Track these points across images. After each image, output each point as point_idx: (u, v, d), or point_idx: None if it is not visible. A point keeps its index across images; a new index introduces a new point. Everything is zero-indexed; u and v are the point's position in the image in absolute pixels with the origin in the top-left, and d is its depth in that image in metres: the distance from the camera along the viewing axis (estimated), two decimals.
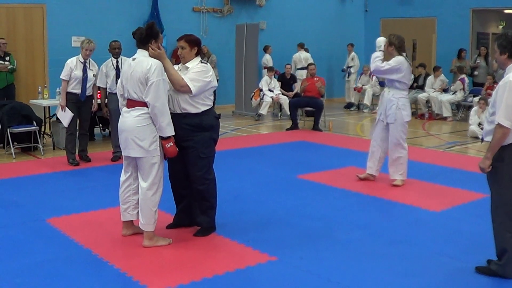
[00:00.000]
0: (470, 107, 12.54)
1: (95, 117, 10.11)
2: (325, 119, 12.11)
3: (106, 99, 8.44)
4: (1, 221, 5.50)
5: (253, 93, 13.17)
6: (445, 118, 13.17)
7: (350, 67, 15.88)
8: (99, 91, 8.42)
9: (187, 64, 4.92)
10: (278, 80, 13.74)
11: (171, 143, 4.70)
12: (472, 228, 5.39)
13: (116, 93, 6.77)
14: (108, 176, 7.37)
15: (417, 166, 7.84)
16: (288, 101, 12.80)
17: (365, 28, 17.96)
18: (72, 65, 7.98)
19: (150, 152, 4.68)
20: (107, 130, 10.48)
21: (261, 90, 13.16)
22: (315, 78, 11.93)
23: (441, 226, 5.49)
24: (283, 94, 13.31)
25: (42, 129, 9.40)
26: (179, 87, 4.78)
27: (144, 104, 4.64)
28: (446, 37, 15.78)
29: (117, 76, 7.83)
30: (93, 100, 8.30)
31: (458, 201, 6.33)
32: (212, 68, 5.11)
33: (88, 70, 8.06)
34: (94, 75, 8.13)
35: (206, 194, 5.04)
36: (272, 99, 13.11)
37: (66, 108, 8.00)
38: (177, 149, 4.77)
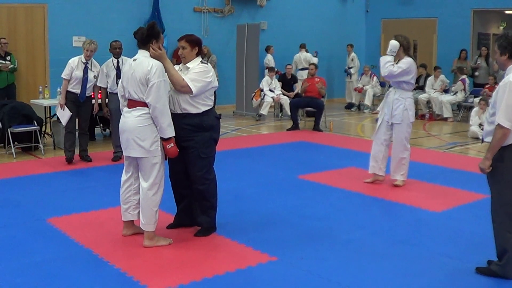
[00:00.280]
0: (470, 108, 12.54)
1: (95, 117, 10.11)
2: (325, 119, 12.11)
3: (107, 99, 8.44)
4: (1, 221, 5.51)
5: (253, 93, 13.17)
6: (445, 119, 13.17)
7: (350, 67, 15.90)
8: (99, 91, 8.43)
9: (187, 64, 4.93)
10: (278, 81, 13.74)
11: (172, 144, 4.70)
12: (472, 228, 5.39)
13: (116, 93, 6.81)
14: (109, 176, 7.38)
15: (417, 167, 7.83)
16: (288, 101, 12.80)
17: (366, 29, 17.97)
18: (74, 65, 8.01)
19: (151, 152, 4.69)
20: (107, 130, 10.48)
21: (261, 90, 13.17)
22: (315, 79, 11.92)
23: (442, 226, 5.49)
24: (283, 94, 13.31)
25: (43, 129, 9.41)
26: (179, 88, 4.78)
27: (145, 104, 4.64)
28: (447, 37, 15.78)
29: (118, 76, 7.84)
30: (94, 101, 8.31)
31: (458, 202, 6.33)
32: (212, 68, 5.11)
33: (89, 71, 8.06)
34: (94, 77, 8.14)
35: (207, 194, 5.04)
36: (273, 99, 13.11)
37: (65, 107, 8.05)
38: (178, 150, 4.77)
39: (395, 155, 6.96)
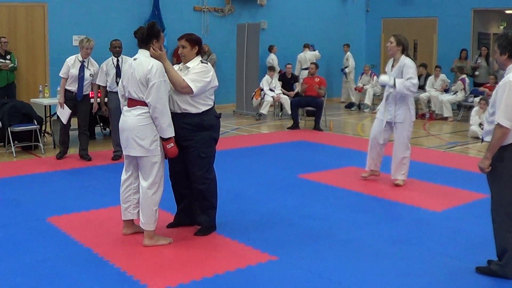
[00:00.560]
0: (471, 107, 12.53)
1: (95, 116, 10.12)
2: (325, 118, 12.11)
3: (106, 98, 8.44)
4: (1, 220, 5.51)
5: (254, 93, 13.18)
6: (446, 118, 13.17)
7: (345, 67, 16.01)
8: (99, 90, 8.43)
9: (187, 64, 4.92)
10: (279, 80, 13.74)
11: (172, 144, 4.70)
12: (472, 228, 5.39)
13: (116, 92, 6.83)
14: (109, 175, 7.38)
15: (418, 166, 7.83)
16: (288, 100, 12.81)
17: (366, 28, 17.96)
18: (70, 63, 8.09)
19: (151, 152, 4.69)
20: (108, 129, 10.48)
21: (262, 89, 13.16)
22: (315, 79, 11.91)
23: (442, 226, 5.49)
24: (284, 93, 13.31)
25: (43, 127, 9.41)
26: (180, 89, 4.78)
27: (145, 104, 4.64)
28: (447, 37, 15.77)
29: (117, 74, 7.86)
30: (93, 100, 8.31)
31: (458, 201, 6.33)
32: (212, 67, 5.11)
33: (85, 69, 8.09)
34: (91, 75, 8.15)
35: (207, 193, 5.04)
36: (273, 98, 13.11)
37: (65, 105, 8.11)
38: (178, 150, 4.77)
39: (397, 154, 6.95)
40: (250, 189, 6.80)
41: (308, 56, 15.05)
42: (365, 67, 15.48)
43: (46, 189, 6.73)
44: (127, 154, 4.85)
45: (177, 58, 12.36)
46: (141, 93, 4.64)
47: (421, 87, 13.97)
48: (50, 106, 9.66)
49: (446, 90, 13.64)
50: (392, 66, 6.90)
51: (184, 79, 4.78)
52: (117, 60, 8.21)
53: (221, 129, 5.38)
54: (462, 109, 13.41)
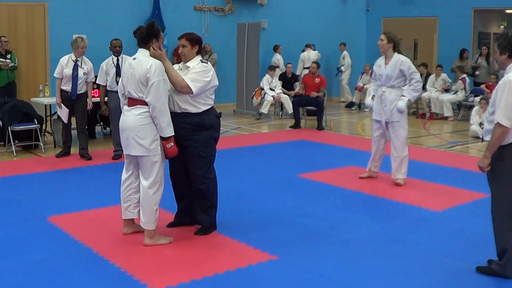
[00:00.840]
0: (471, 107, 12.53)
1: (96, 115, 10.12)
2: (326, 118, 12.10)
3: (106, 97, 8.44)
4: (2, 219, 5.51)
5: (254, 92, 13.18)
6: (446, 118, 13.17)
7: (342, 65, 16.14)
8: (97, 90, 8.44)
9: (187, 64, 4.92)
10: (279, 79, 13.74)
11: (172, 143, 4.70)
12: (473, 227, 5.39)
13: (116, 91, 6.83)
14: (109, 175, 7.38)
15: (418, 166, 7.83)
16: (289, 100, 12.81)
17: (366, 28, 17.95)
18: (64, 63, 8.16)
19: (151, 151, 4.68)
20: (108, 129, 10.48)
21: (262, 89, 13.16)
22: (316, 79, 11.87)
23: (442, 225, 5.49)
24: (284, 93, 13.31)
25: (43, 127, 9.41)
26: (180, 88, 4.78)
27: (145, 103, 4.64)
28: (448, 36, 15.77)
29: (117, 74, 7.87)
30: (88, 99, 8.32)
31: (459, 201, 6.33)
32: (212, 66, 5.11)
33: (79, 68, 8.13)
34: (84, 73, 8.17)
35: (207, 193, 5.04)
36: (273, 98, 13.11)
37: (62, 105, 8.19)
38: (178, 149, 4.77)
39: (397, 154, 6.94)
40: (250, 188, 6.80)
41: (312, 55, 15.07)
42: (366, 66, 15.47)
43: (46, 188, 6.73)
44: (127, 154, 4.85)
45: (177, 57, 12.36)
46: (140, 92, 4.63)
47: (423, 87, 13.98)
48: (50, 105, 9.66)
49: (446, 90, 13.63)
50: (385, 64, 6.89)
51: (183, 79, 4.77)
52: (117, 60, 8.21)
53: (221, 128, 5.38)
54: (462, 108, 13.40)
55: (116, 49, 8.25)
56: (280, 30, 15.63)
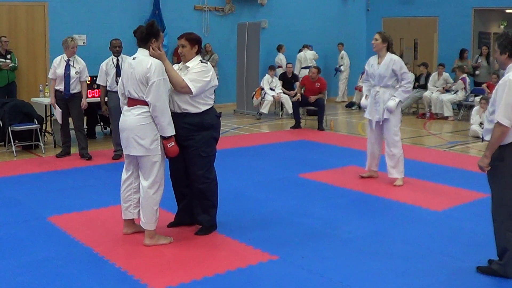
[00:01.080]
0: (471, 107, 12.52)
1: (96, 115, 10.12)
2: (326, 118, 12.09)
3: (106, 97, 8.44)
4: (2, 219, 5.51)
5: (254, 92, 13.17)
6: (446, 118, 13.16)
7: (340, 65, 16.12)
8: (97, 90, 8.45)
9: (187, 64, 4.92)
10: (279, 79, 13.74)
11: (173, 143, 4.70)
12: (473, 227, 5.39)
13: (116, 91, 6.83)
14: (109, 175, 7.37)
15: (418, 166, 7.83)
16: (289, 100, 12.80)
17: (366, 28, 17.93)
18: (56, 63, 8.23)
19: (151, 151, 4.68)
20: (108, 129, 10.48)
21: (262, 89, 13.16)
22: (316, 84, 11.80)
23: (442, 225, 5.48)
24: (284, 93, 13.30)
25: (43, 127, 9.41)
26: (179, 88, 4.78)
27: (145, 103, 4.64)
28: (448, 36, 15.75)
29: (117, 74, 7.87)
30: (83, 98, 8.32)
31: (459, 201, 6.32)
32: (213, 66, 5.10)
33: (71, 67, 8.15)
34: (76, 72, 8.18)
35: (207, 193, 5.04)
36: (274, 98, 13.10)
37: (56, 105, 8.28)
38: (178, 149, 4.77)
39: (392, 152, 6.91)
40: (250, 188, 6.80)
41: (308, 55, 15.07)
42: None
43: (46, 188, 6.73)
44: (127, 154, 4.85)
45: (177, 57, 12.36)
46: (141, 92, 4.63)
47: (423, 86, 13.99)
48: (50, 105, 9.63)
49: (447, 90, 13.62)
50: (378, 63, 6.90)
51: (183, 79, 4.77)
52: (117, 60, 8.22)
53: (221, 128, 5.37)
54: (462, 108, 13.39)
55: (116, 49, 8.25)
56: (281, 30, 15.63)
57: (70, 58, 8.19)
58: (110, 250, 4.73)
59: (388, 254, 4.71)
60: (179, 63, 5.10)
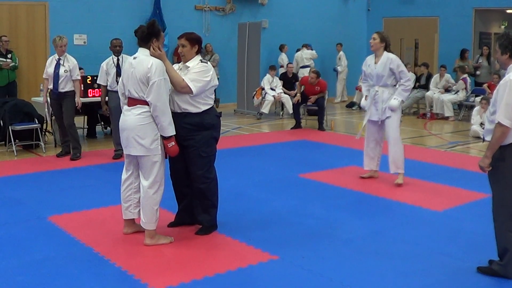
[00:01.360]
0: (472, 107, 12.52)
1: (96, 115, 10.13)
2: (326, 118, 12.09)
3: (107, 97, 8.44)
4: (2, 219, 5.50)
5: (255, 92, 13.17)
6: (447, 118, 13.16)
7: (338, 66, 16.21)
8: (98, 89, 8.46)
9: (187, 63, 4.92)
10: (280, 79, 13.74)
11: (173, 143, 4.70)
12: (473, 228, 5.39)
13: (116, 91, 6.82)
14: (110, 174, 7.38)
15: (419, 166, 7.83)
16: (289, 100, 12.79)
17: (367, 27, 17.93)
18: (48, 63, 8.31)
19: (151, 151, 4.68)
20: (108, 128, 10.48)
21: (263, 89, 13.16)
22: (316, 87, 11.77)
23: (443, 225, 5.48)
24: (285, 93, 13.30)
25: (44, 126, 9.40)
26: (180, 88, 4.77)
27: (145, 103, 4.64)
28: (449, 36, 15.76)
29: (118, 74, 7.87)
30: (76, 97, 8.31)
31: (459, 201, 6.32)
32: (214, 67, 5.10)
33: (60, 66, 8.16)
34: (65, 71, 8.16)
35: (207, 192, 5.04)
36: (274, 98, 13.10)
37: (46, 104, 8.56)
38: (179, 149, 4.76)
39: (395, 150, 6.91)
40: (251, 188, 6.80)
41: (305, 54, 15.07)
42: None
43: (47, 188, 6.73)
44: (127, 153, 4.85)
45: (177, 57, 12.36)
46: (141, 92, 4.63)
47: (424, 86, 13.98)
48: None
49: (447, 90, 13.62)
50: (375, 63, 6.91)
51: (183, 79, 4.77)
52: (118, 59, 8.22)
53: (222, 128, 5.37)
54: (463, 108, 13.39)
55: (116, 49, 8.26)
56: (281, 30, 15.63)
57: (60, 57, 8.19)
58: (111, 249, 4.73)
59: (388, 254, 4.71)
60: (179, 63, 5.10)
